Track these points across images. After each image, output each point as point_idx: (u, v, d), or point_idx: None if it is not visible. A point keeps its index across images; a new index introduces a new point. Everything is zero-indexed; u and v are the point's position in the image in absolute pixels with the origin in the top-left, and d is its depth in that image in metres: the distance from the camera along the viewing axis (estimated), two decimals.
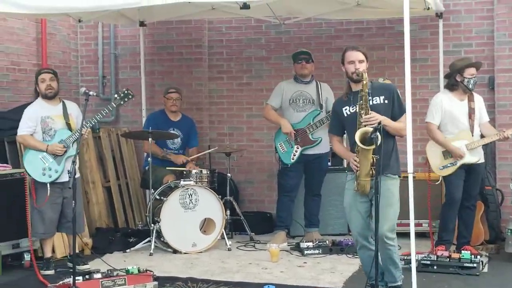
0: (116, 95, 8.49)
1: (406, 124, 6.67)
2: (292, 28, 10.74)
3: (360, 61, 6.57)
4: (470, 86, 8.30)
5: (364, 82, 6.41)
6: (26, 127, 8.11)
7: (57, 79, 8.27)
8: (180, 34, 11.09)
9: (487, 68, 9.67)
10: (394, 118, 6.58)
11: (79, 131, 7.91)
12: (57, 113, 8.16)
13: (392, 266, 6.61)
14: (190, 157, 9.85)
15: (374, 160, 6.26)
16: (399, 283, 6.68)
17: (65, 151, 8.02)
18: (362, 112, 6.45)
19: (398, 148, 6.65)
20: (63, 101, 8.29)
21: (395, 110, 6.59)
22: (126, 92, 8.42)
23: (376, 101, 6.54)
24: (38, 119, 8.11)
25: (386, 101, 6.56)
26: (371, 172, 6.37)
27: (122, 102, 8.45)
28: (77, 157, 7.28)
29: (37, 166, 8.02)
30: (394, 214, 6.50)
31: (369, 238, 6.63)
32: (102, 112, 8.30)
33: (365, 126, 6.35)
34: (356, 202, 6.59)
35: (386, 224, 6.40)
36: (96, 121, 8.29)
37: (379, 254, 6.25)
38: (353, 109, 6.58)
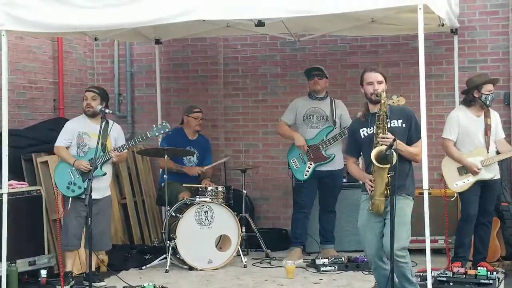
0: (154, 126, 8.63)
1: (421, 149, 6.66)
2: (307, 45, 10.76)
3: (379, 82, 6.57)
4: (488, 103, 8.29)
5: (382, 101, 6.41)
6: (63, 139, 8.30)
7: (101, 99, 8.32)
8: (196, 51, 11.14)
9: (503, 84, 9.65)
10: (411, 142, 6.57)
11: (108, 153, 8.09)
12: (95, 131, 8.17)
13: (407, 283, 6.56)
14: (205, 168, 9.88)
15: (389, 180, 6.28)
16: None
17: (90, 170, 8.07)
18: (379, 131, 6.45)
19: (414, 165, 6.64)
20: (107, 120, 8.25)
21: (411, 134, 6.58)
22: (164, 124, 8.57)
23: (394, 124, 6.53)
24: (75, 134, 8.27)
25: (404, 125, 6.56)
26: (385, 191, 6.38)
27: (157, 134, 8.63)
28: (104, 177, 7.36)
29: (64, 179, 8.16)
30: (406, 233, 6.45)
31: (384, 258, 6.61)
32: (136, 140, 8.50)
33: (381, 145, 6.36)
34: (370, 222, 6.57)
35: (398, 242, 6.34)
36: (128, 147, 8.43)
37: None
38: (370, 131, 6.58)
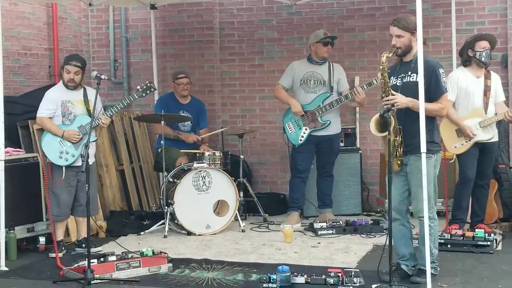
0: (138, 87, 8.55)
1: (445, 104, 6.63)
2: (303, 9, 10.70)
3: (397, 36, 6.53)
4: (483, 59, 8.21)
5: (381, 67, 6.41)
6: (46, 109, 8.17)
7: (83, 72, 8.25)
8: (191, 16, 11.08)
9: (501, 46, 9.58)
10: (432, 98, 6.49)
11: (98, 119, 7.97)
12: (78, 98, 8.19)
13: (423, 246, 6.49)
14: (201, 136, 9.87)
15: (396, 142, 6.31)
16: (424, 268, 6.50)
17: (81, 138, 8.05)
18: (383, 95, 6.45)
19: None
20: (84, 87, 8.30)
21: (431, 89, 6.48)
22: (148, 84, 8.51)
23: (412, 78, 6.49)
24: (58, 103, 8.15)
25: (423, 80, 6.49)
26: (396, 153, 6.41)
27: (144, 95, 8.56)
28: (92, 143, 7.31)
29: (55, 149, 8.07)
30: (428, 194, 6.40)
31: (405, 213, 6.70)
32: (124, 102, 8.45)
33: (387, 108, 6.35)
34: (394, 176, 6.51)
35: (419, 204, 6.44)
36: (116, 110, 8.38)
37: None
38: (395, 81, 6.60)
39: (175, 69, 10.57)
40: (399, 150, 6.44)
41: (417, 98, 6.37)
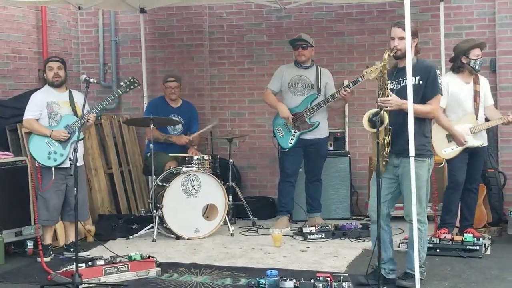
0: (122, 83, 8.57)
1: (436, 106, 6.67)
2: (293, 13, 10.71)
3: (400, 38, 6.54)
4: (477, 67, 8.28)
5: (382, 63, 6.43)
6: (32, 111, 8.18)
7: (65, 68, 8.33)
8: (181, 20, 11.07)
9: (489, 51, 9.61)
10: (425, 98, 6.54)
11: (84, 117, 7.94)
12: (63, 99, 8.22)
13: (412, 250, 6.51)
14: (192, 136, 9.84)
15: (388, 141, 6.34)
16: (411, 272, 6.56)
17: (70, 137, 8.05)
18: (380, 93, 6.47)
19: None
20: (70, 90, 8.34)
21: (427, 90, 6.54)
22: (132, 80, 8.50)
23: (412, 80, 6.47)
24: (43, 104, 8.16)
25: (420, 82, 6.52)
26: (383, 152, 6.42)
27: (127, 90, 8.54)
28: (79, 144, 7.29)
29: (43, 150, 8.06)
30: (420, 198, 6.48)
31: (386, 217, 6.70)
32: (108, 99, 8.48)
33: (380, 107, 6.37)
34: (375, 179, 6.53)
35: (407, 208, 6.49)
36: (102, 107, 8.38)
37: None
38: (392, 86, 6.59)
39: (166, 73, 10.56)
40: (386, 150, 6.44)
41: (417, 101, 6.42)
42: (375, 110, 6.37)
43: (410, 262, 6.60)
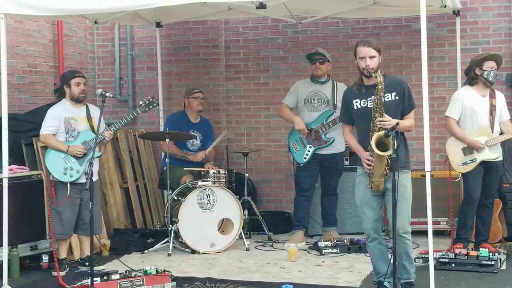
0: (141, 102, 8.61)
1: (413, 119, 6.64)
2: (309, 28, 10.71)
3: (371, 57, 6.51)
4: (491, 79, 8.26)
5: (379, 86, 6.39)
6: (49, 126, 8.15)
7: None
8: (197, 34, 11.10)
9: (505, 66, 9.56)
10: (404, 113, 6.57)
11: (101, 134, 7.97)
12: (80, 115, 8.21)
13: (407, 261, 6.66)
14: (207, 151, 9.84)
15: (388, 160, 6.29)
16: (412, 279, 6.72)
17: (86, 153, 8.06)
18: (376, 115, 6.43)
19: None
20: (86, 105, 8.35)
21: (405, 105, 6.56)
22: (151, 100, 8.57)
23: (388, 98, 6.50)
24: (61, 119, 8.16)
25: (397, 97, 6.53)
26: (385, 172, 6.38)
27: (146, 109, 8.61)
28: (95, 159, 7.31)
29: (59, 166, 8.05)
30: (409, 208, 6.55)
31: (381, 232, 6.73)
32: (127, 117, 8.47)
33: (379, 129, 6.36)
34: (367, 196, 6.62)
35: (403, 218, 6.45)
36: (120, 125, 8.38)
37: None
38: (364, 104, 6.56)
39: (182, 87, 10.59)
40: (387, 169, 6.45)
41: (398, 117, 6.48)
42: (382, 132, 6.33)
43: (407, 273, 6.69)
